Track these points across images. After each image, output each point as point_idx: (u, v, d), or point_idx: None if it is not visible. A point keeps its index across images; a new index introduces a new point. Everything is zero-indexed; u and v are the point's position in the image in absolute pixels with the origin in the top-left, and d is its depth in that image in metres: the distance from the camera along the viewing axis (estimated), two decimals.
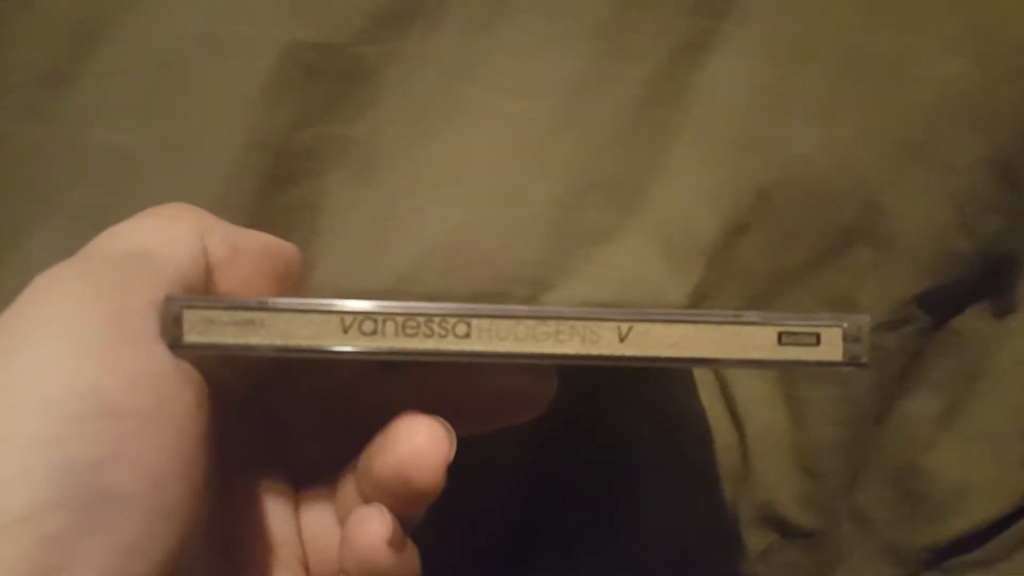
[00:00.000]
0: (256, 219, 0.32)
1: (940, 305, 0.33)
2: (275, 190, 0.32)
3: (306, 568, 0.24)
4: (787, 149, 0.32)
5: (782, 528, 0.35)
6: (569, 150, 0.33)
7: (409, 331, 0.20)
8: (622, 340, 0.20)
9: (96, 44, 0.32)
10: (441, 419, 0.22)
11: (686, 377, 0.35)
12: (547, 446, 0.35)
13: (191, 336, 0.20)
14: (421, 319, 0.20)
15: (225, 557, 0.23)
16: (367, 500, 0.23)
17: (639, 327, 0.20)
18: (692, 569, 0.35)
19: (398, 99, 0.32)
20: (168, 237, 0.21)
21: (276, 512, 0.24)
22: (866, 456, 0.35)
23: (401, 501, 0.22)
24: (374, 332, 0.20)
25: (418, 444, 0.21)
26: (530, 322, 0.20)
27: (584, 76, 0.32)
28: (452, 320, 0.20)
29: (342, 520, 0.24)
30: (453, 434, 0.21)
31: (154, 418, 0.18)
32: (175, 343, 0.19)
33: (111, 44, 0.32)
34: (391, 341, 0.20)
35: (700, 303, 0.34)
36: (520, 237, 0.32)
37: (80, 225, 0.32)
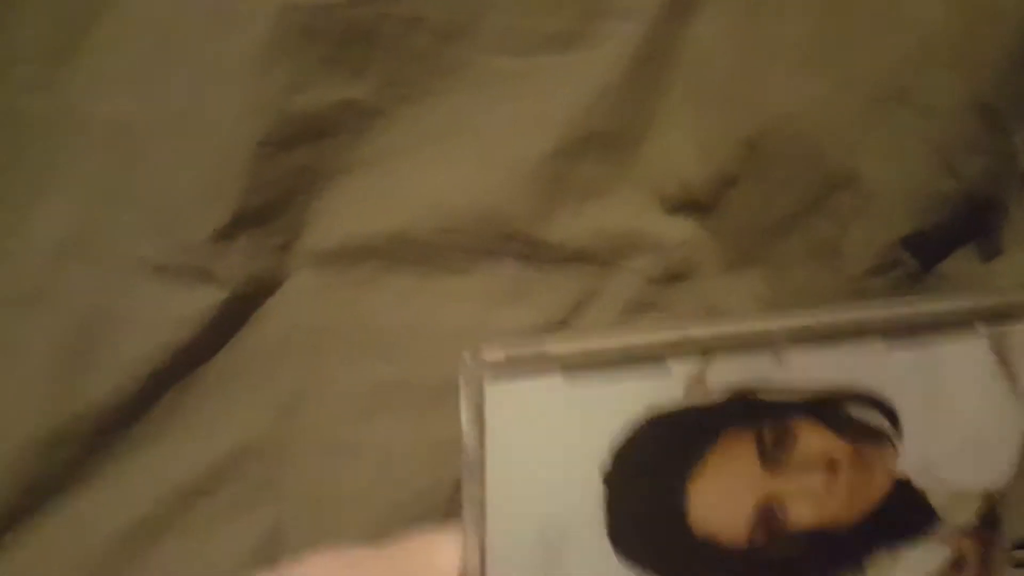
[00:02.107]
0: (256, 183, 0.33)
1: (926, 248, 0.34)
2: (274, 153, 0.33)
3: None
4: (773, 100, 0.32)
5: None
6: (562, 106, 0.33)
7: None
8: None
9: (98, 17, 0.32)
10: None
11: None
12: None
13: None
14: None
15: None
16: None
17: None
18: None
19: (393, 60, 0.33)
20: None
21: None
22: None
23: None
24: None
25: None
26: None
27: (575, 33, 0.33)
28: None
29: None
30: None
31: None
32: None
33: (112, 16, 0.32)
34: None
35: (693, 256, 0.35)
36: (515, 192, 0.33)
37: (84, 195, 0.34)
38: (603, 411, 0.18)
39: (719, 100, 0.33)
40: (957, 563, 0.20)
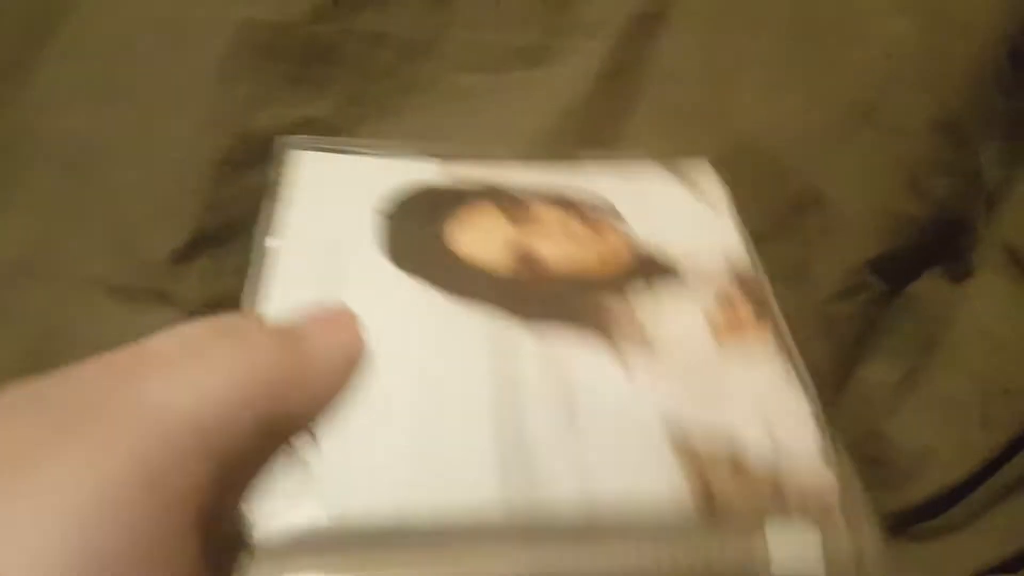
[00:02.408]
0: (215, 202, 0.32)
1: (894, 271, 0.33)
2: (234, 172, 0.32)
3: None
4: (740, 118, 0.32)
5: None
6: (529, 122, 0.33)
7: None
8: None
9: (52, 31, 0.32)
10: None
11: None
12: None
13: None
14: None
15: None
16: None
17: None
18: None
19: (356, 77, 0.33)
20: (206, 398, 0.16)
21: None
22: (827, 424, 0.35)
23: None
24: None
25: None
26: None
27: (541, 48, 0.32)
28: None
29: None
30: None
31: None
32: None
33: (67, 31, 0.32)
34: None
35: None
36: None
37: (38, 213, 0.33)
38: (383, 179, 0.25)
39: (686, 117, 0.33)
40: (726, 303, 0.24)
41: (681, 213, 0.27)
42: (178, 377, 0.15)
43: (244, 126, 0.32)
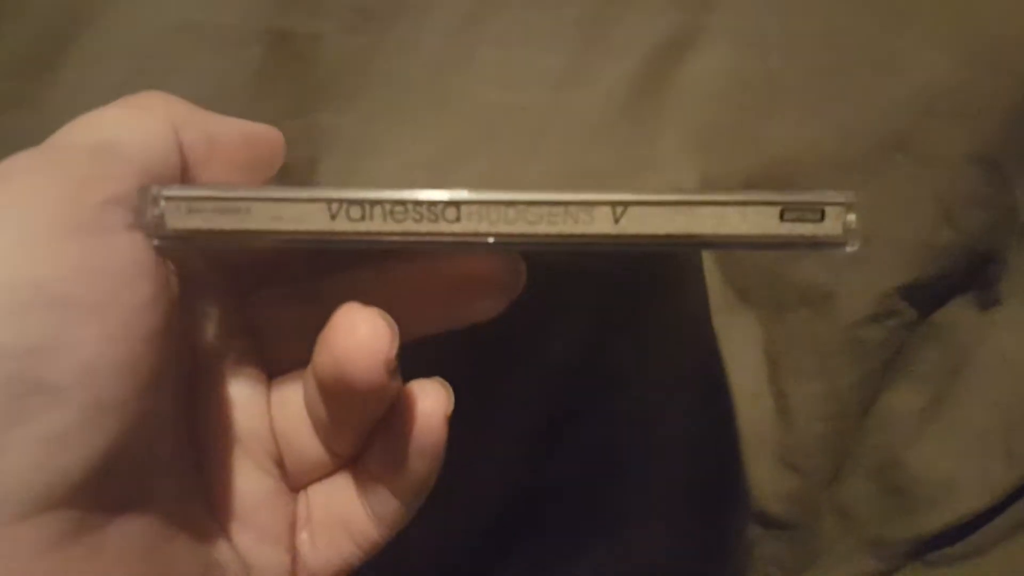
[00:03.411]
0: None
1: (924, 298, 0.33)
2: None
3: (280, 464, 0.24)
4: (772, 143, 0.32)
5: (764, 521, 0.35)
6: (556, 143, 0.33)
7: (398, 216, 0.20)
8: (616, 221, 0.19)
9: (79, 32, 0.31)
10: (382, 312, 0.20)
11: (683, 366, 0.35)
12: (545, 436, 0.35)
13: (173, 224, 0.19)
14: (410, 205, 0.20)
15: (193, 452, 0.22)
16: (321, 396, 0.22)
17: (634, 209, 0.20)
18: (676, 561, 0.35)
19: (385, 91, 0.32)
20: (137, 129, 0.20)
21: (249, 408, 0.24)
22: (849, 450, 0.35)
23: (341, 401, 0.21)
24: (361, 218, 0.20)
25: (357, 338, 0.20)
26: (521, 206, 0.19)
27: (571, 69, 0.32)
28: (441, 206, 0.19)
29: (310, 412, 0.24)
30: (395, 329, 0.20)
31: (99, 311, 0.17)
32: (158, 233, 0.19)
33: (94, 32, 0.31)
34: (379, 225, 0.20)
35: None
36: None
37: None
38: None
39: (717, 142, 0.33)
40: None
41: None
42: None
43: None
